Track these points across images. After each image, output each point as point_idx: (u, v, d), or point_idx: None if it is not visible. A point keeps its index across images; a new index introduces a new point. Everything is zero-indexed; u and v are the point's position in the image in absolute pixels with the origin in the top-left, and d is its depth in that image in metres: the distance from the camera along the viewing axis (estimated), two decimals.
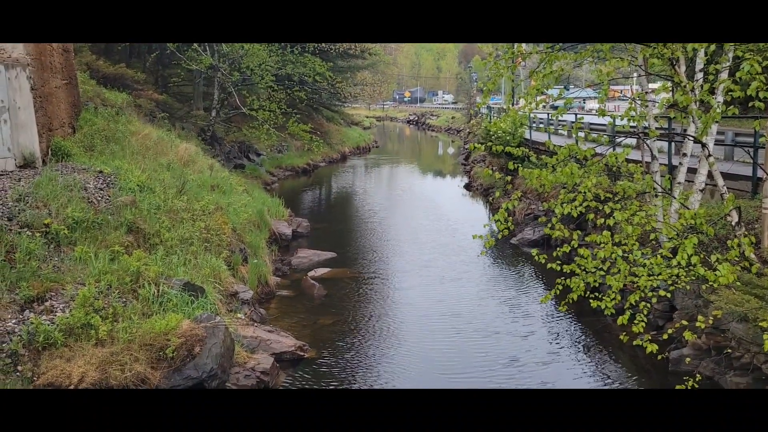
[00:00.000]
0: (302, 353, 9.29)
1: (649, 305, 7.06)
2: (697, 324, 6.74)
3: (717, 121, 7.08)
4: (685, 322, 7.21)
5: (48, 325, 7.03)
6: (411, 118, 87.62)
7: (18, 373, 6.54)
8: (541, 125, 26.86)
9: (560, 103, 7.13)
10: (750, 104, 5.62)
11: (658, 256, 6.38)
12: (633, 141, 13.78)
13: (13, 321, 7.09)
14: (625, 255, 6.42)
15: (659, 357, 7.07)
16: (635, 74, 12.38)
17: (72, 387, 6.46)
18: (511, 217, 6.69)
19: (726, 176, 10.32)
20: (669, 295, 7.88)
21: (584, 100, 51.45)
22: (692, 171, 10.54)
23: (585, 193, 6.56)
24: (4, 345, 6.70)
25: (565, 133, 24.68)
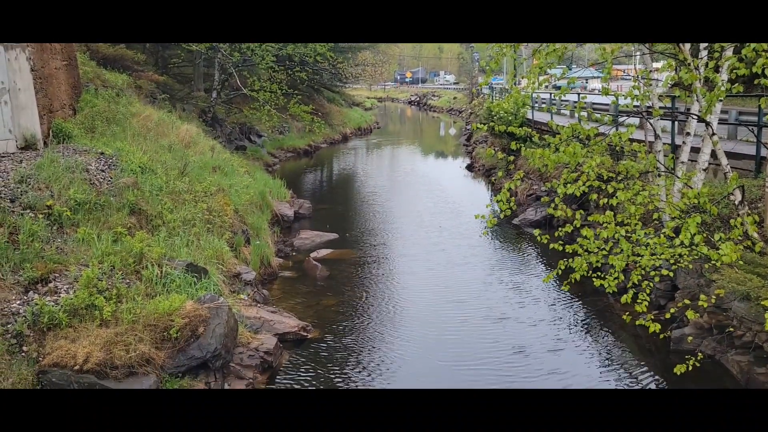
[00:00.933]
0: (305, 334, 9.35)
1: (651, 285, 7.07)
2: (699, 303, 6.74)
3: (721, 100, 7.04)
4: (687, 302, 7.23)
5: (52, 306, 7.06)
6: (412, 98, 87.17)
7: (23, 354, 6.58)
8: (544, 105, 26.71)
9: (563, 82, 7.09)
10: (755, 82, 5.58)
11: (661, 235, 6.37)
12: (636, 120, 13.73)
13: (18, 302, 7.12)
14: (628, 235, 6.42)
15: (661, 336, 7.09)
16: (639, 53, 12.29)
17: (77, 367, 6.50)
18: (513, 198, 6.67)
19: (729, 155, 10.28)
20: (671, 274, 7.88)
21: (587, 79, 51.17)
22: (695, 150, 10.49)
23: (588, 172, 6.53)
24: (9, 326, 6.73)
25: (568, 113, 24.55)
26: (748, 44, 5.08)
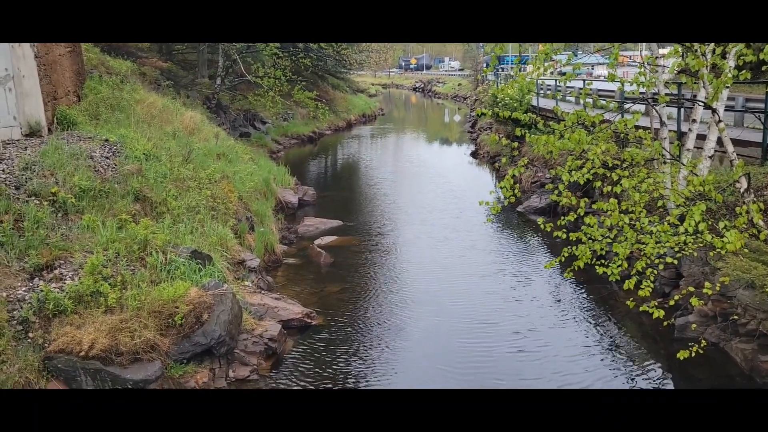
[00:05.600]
0: (309, 320, 9.37)
1: (655, 272, 7.06)
2: (704, 291, 6.74)
3: (728, 86, 6.98)
4: (691, 289, 7.21)
5: (58, 292, 7.09)
6: (417, 85, 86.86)
7: (29, 340, 6.63)
8: (549, 92, 26.57)
9: (568, 68, 7.06)
10: (763, 68, 5.53)
11: (666, 223, 6.35)
12: (642, 107, 13.64)
13: (24, 289, 7.16)
14: (632, 222, 6.40)
15: (665, 323, 7.10)
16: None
17: (83, 353, 6.54)
18: (517, 185, 6.66)
19: (736, 142, 10.21)
20: (676, 262, 7.87)
21: (593, 65, 50.82)
22: (702, 137, 10.42)
23: (593, 160, 6.51)
24: (15, 312, 6.77)
25: (573, 99, 24.43)
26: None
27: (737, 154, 9.52)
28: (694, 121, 10.45)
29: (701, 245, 6.53)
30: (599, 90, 23.09)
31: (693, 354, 6.32)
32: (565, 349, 8.69)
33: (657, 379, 7.93)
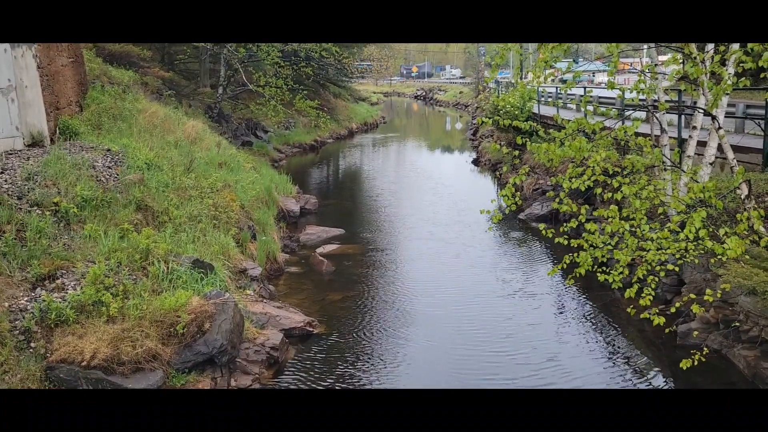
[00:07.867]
0: (311, 329, 9.37)
1: (657, 279, 7.05)
2: (705, 297, 6.73)
3: (728, 93, 7.00)
4: (693, 296, 7.20)
5: (59, 302, 7.10)
6: (418, 93, 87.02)
7: (31, 350, 6.63)
8: (550, 99, 26.63)
9: (569, 76, 7.09)
10: (762, 75, 5.55)
11: (666, 230, 6.35)
12: (642, 114, 13.66)
13: (25, 299, 7.17)
14: (633, 229, 6.40)
15: (667, 330, 7.09)
16: (645, 46, 12.22)
17: (84, 363, 6.54)
18: (518, 192, 6.67)
19: (736, 149, 10.23)
20: (677, 269, 7.86)
21: (593, 73, 50.96)
22: (702, 144, 10.44)
23: (593, 167, 6.52)
24: (17, 322, 6.78)
25: (574, 106, 24.47)
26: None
27: (738, 161, 9.53)
28: (694, 128, 10.47)
29: (702, 252, 6.52)
30: (600, 97, 23.14)
31: (695, 363, 6.31)
32: (565, 356, 8.67)
33: (659, 386, 7.91)
